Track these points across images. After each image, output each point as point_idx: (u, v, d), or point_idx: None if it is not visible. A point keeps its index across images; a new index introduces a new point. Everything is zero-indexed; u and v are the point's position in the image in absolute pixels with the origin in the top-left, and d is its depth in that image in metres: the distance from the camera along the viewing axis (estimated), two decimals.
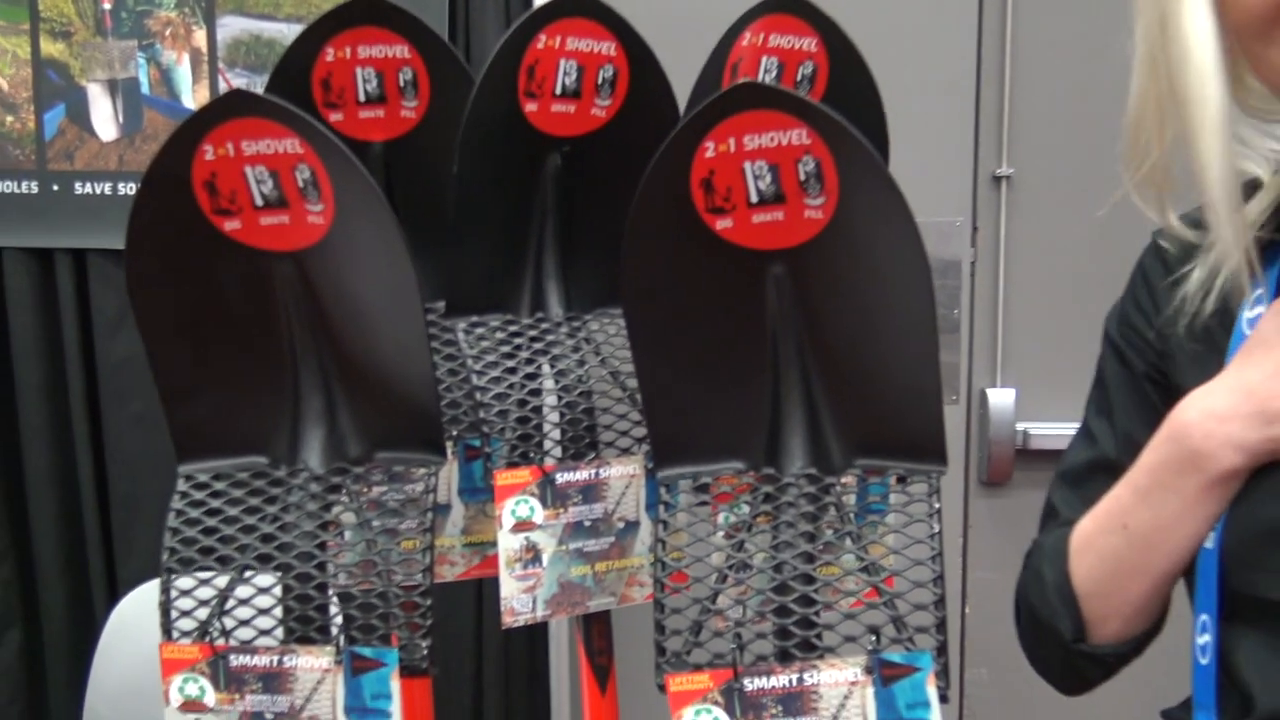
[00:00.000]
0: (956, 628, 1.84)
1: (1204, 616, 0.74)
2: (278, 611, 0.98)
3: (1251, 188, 0.76)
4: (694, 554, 0.95)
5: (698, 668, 0.90)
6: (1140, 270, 0.85)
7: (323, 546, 0.97)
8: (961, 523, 1.85)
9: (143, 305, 0.96)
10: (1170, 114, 0.73)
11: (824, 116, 0.85)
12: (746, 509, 0.95)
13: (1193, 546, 0.75)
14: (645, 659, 0.92)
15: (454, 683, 1.91)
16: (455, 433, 1.16)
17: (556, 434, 1.14)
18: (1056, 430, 1.81)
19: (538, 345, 1.15)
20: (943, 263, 1.78)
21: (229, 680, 0.94)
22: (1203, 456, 0.72)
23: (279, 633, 0.98)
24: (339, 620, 0.99)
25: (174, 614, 0.96)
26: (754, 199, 0.88)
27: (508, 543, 1.07)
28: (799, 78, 1.13)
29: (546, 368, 1.15)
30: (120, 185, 1.84)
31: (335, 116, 1.15)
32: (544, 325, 1.17)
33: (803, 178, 0.87)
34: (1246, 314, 0.75)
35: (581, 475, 1.10)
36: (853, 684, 0.87)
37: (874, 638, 0.88)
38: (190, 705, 0.94)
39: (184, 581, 0.97)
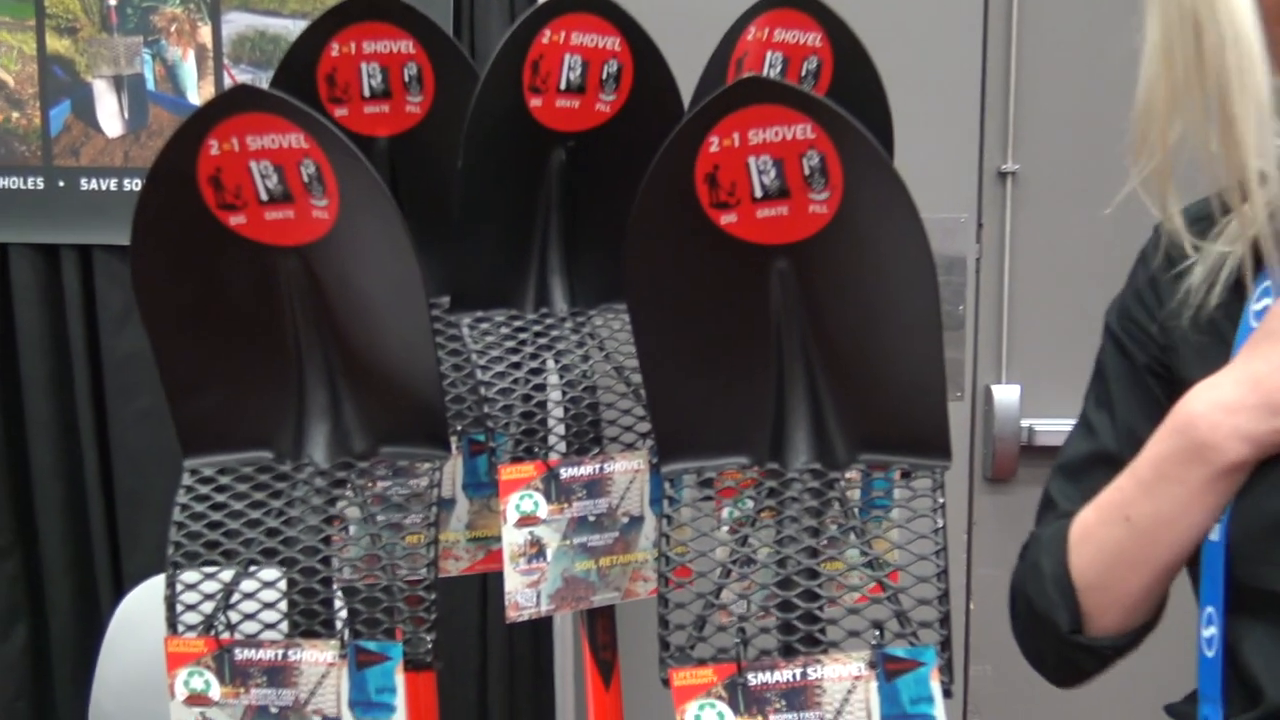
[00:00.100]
0: (961, 624, 1.84)
1: (1209, 609, 0.74)
2: (282, 605, 0.98)
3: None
4: (698, 549, 0.95)
5: (701, 662, 0.90)
6: (1142, 262, 0.85)
7: (327, 541, 0.97)
8: (966, 520, 1.85)
9: (148, 300, 0.97)
10: (1185, 103, 0.73)
11: (828, 111, 0.84)
12: (750, 504, 0.95)
13: (1195, 539, 0.75)
14: (649, 654, 0.92)
15: (459, 677, 1.91)
16: (460, 428, 1.16)
17: (561, 429, 1.14)
18: (1061, 427, 1.79)
19: (542, 340, 1.16)
20: (948, 259, 1.78)
21: (234, 674, 0.94)
22: (1209, 448, 0.72)
23: (284, 627, 0.98)
24: (343, 614, 0.99)
25: (179, 608, 0.96)
26: (758, 194, 0.88)
27: (512, 537, 1.08)
28: (803, 73, 1.13)
29: (551, 363, 1.15)
30: (126, 181, 1.85)
31: (340, 112, 1.15)
32: (548, 320, 1.17)
33: (807, 173, 0.87)
34: (1254, 306, 0.75)
35: (586, 470, 1.10)
36: (856, 679, 0.87)
37: (878, 633, 0.88)
38: (195, 699, 0.95)
39: (189, 576, 0.97)
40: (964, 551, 1.85)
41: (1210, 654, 0.74)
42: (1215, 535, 0.73)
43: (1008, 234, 1.81)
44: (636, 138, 1.04)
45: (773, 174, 0.87)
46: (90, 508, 1.91)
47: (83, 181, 1.85)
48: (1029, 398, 1.82)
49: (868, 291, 0.90)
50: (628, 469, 1.12)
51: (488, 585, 1.87)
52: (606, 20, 1.10)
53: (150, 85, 1.83)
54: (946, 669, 0.87)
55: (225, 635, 0.95)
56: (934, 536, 0.90)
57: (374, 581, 0.98)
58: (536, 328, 1.16)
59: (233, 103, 0.90)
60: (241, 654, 0.94)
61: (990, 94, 1.78)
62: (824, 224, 0.88)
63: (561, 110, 1.12)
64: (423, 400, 0.99)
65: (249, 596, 0.98)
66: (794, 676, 0.87)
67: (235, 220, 0.94)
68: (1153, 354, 0.83)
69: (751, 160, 0.87)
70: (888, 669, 0.87)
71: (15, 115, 1.85)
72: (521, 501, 1.08)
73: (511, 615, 1.08)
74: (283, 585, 0.98)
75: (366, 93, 1.16)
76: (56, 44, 1.83)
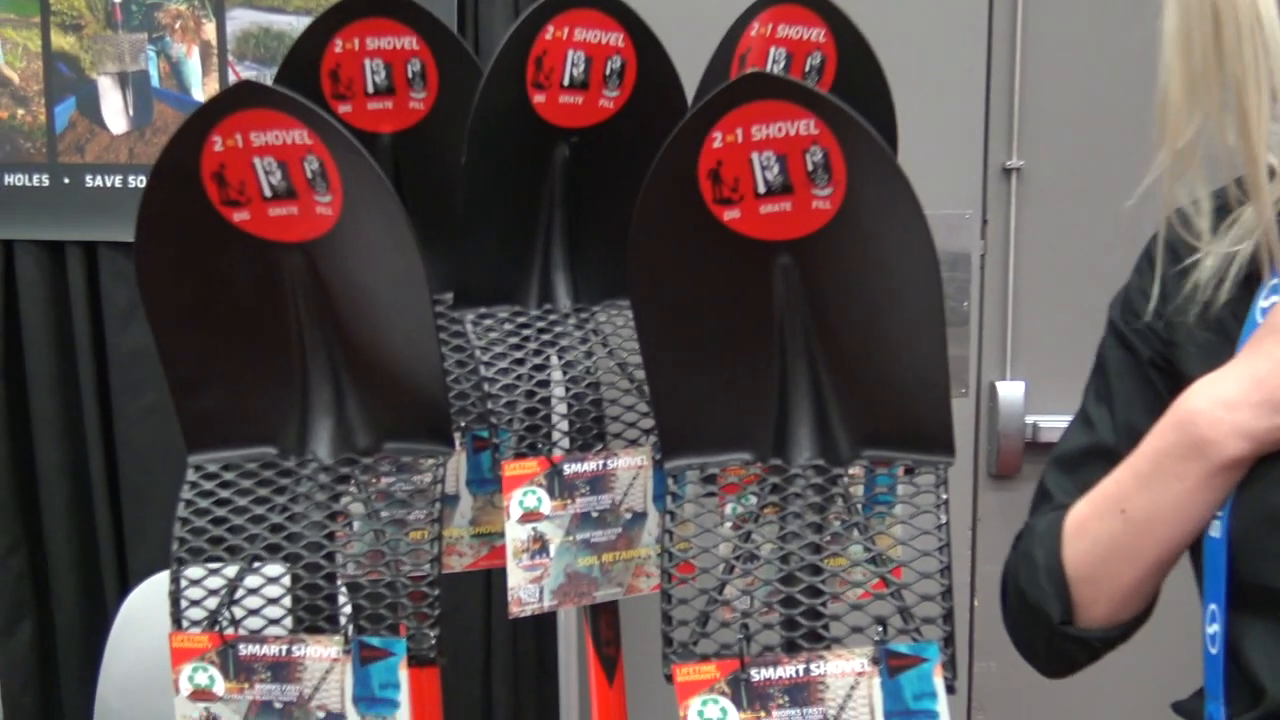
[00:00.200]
0: (965, 621, 1.84)
1: (1213, 606, 0.74)
2: (287, 601, 0.98)
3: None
4: (701, 544, 0.95)
5: (705, 658, 0.90)
6: (1147, 258, 0.85)
7: (331, 537, 0.98)
8: (970, 516, 1.85)
9: (152, 297, 0.97)
10: (1202, 94, 0.73)
11: (832, 107, 0.84)
12: (754, 500, 0.95)
13: (1190, 535, 0.75)
14: (652, 649, 0.92)
15: (462, 673, 1.91)
16: (463, 424, 1.16)
17: (564, 425, 1.14)
18: (1066, 423, 1.80)
19: (545, 336, 1.16)
20: (952, 255, 1.78)
21: (238, 669, 0.95)
22: (1208, 444, 0.72)
23: (288, 622, 0.98)
24: (347, 610, 0.99)
25: (184, 604, 0.96)
26: (761, 189, 0.88)
27: (515, 533, 1.08)
28: (807, 68, 1.13)
29: (554, 359, 1.15)
30: (131, 178, 1.85)
31: (344, 108, 1.15)
32: (552, 316, 1.17)
33: (810, 168, 0.87)
34: (1261, 303, 0.74)
35: (589, 466, 1.10)
36: (859, 674, 0.87)
37: (881, 628, 0.88)
38: (200, 694, 0.95)
39: (193, 571, 0.97)
40: (968, 548, 1.85)
41: (1214, 651, 0.74)
42: (1216, 532, 0.73)
43: (1012, 230, 1.80)
44: (640, 134, 1.04)
45: (776, 170, 0.87)
46: (95, 504, 1.92)
47: (88, 178, 1.85)
48: (1034, 394, 1.82)
49: (871, 287, 0.90)
50: (631, 465, 1.12)
51: (492, 581, 1.87)
52: (610, 16, 1.10)
53: (155, 82, 1.83)
54: (950, 665, 0.87)
55: (230, 631, 0.96)
56: (937, 532, 0.90)
57: (378, 577, 0.98)
58: (540, 324, 1.16)
59: (237, 99, 0.91)
60: (246, 649, 0.95)
61: (995, 90, 1.78)
62: (827, 220, 0.88)
63: (565, 106, 1.12)
64: (426, 396, 0.99)
65: (253, 592, 0.98)
66: (797, 672, 0.87)
67: (239, 216, 0.95)
68: (1156, 349, 0.82)
69: (755, 156, 0.87)
70: (891, 665, 0.87)
71: (20, 112, 1.85)
72: (525, 497, 1.08)
73: (514, 611, 1.09)
74: (287, 581, 0.98)
75: (370, 89, 1.16)
76: (61, 41, 1.83)
